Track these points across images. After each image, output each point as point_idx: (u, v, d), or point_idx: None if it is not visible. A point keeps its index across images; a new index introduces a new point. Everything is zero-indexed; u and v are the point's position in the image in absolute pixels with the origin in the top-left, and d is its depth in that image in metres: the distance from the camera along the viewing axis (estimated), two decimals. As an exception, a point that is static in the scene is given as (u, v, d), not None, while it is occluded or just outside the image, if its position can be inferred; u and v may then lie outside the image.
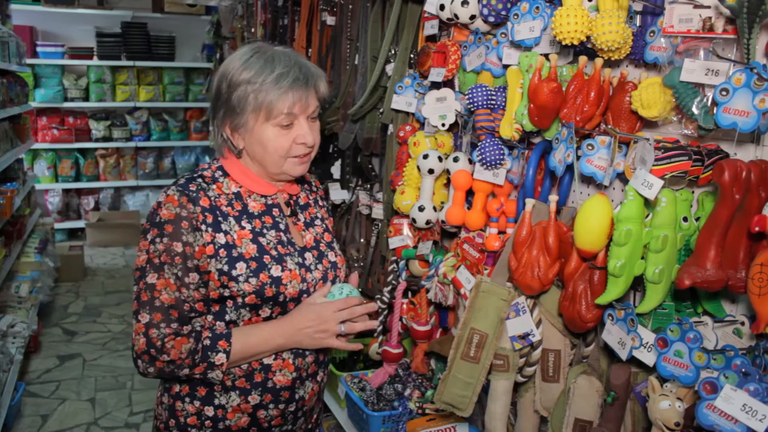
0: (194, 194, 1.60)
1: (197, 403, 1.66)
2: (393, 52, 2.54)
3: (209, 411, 1.66)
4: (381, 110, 2.64)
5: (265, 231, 1.67)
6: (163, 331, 1.54)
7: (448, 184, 2.18)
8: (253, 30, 4.95)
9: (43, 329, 5.10)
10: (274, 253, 1.64)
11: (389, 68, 2.55)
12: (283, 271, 1.63)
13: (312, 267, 1.70)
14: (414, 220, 2.16)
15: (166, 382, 1.72)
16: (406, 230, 2.33)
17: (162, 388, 1.75)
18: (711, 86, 1.37)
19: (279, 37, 4.25)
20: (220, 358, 1.57)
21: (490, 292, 1.79)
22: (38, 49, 7.08)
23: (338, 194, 3.04)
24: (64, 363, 4.65)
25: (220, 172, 1.69)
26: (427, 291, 2.13)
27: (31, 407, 4.06)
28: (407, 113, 2.45)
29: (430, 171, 2.13)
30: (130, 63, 7.46)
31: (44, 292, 5.33)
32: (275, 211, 1.72)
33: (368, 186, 2.91)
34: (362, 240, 2.79)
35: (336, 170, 3.20)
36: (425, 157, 2.13)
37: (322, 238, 1.79)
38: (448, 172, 2.13)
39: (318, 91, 1.65)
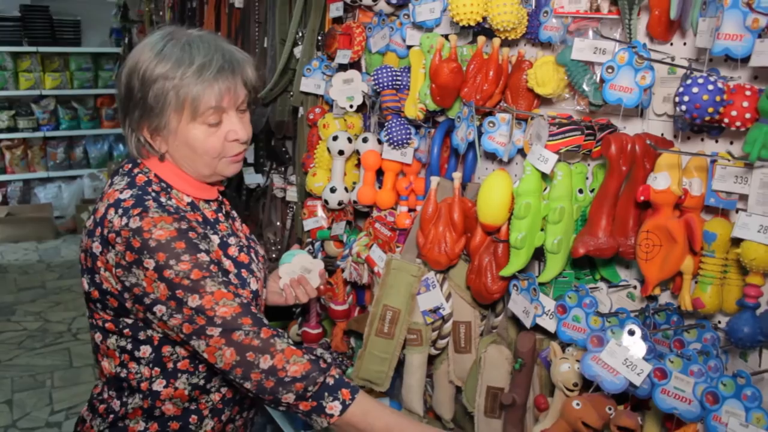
0: (174, 208, 1.39)
1: None
2: (300, 34, 2.54)
3: None
4: (291, 93, 2.63)
5: (228, 240, 1.50)
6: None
7: (358, 165, 2.20)
8: (161, 13, 4.81)
9: (-49, 331, 4.86)
10: (245, 263, 1.51)
11: (297, 51, 2.55)
12: (257, 282, 1.51)
13: (258, 267, 1.58)
14: (326, 202, 2.18)
15: (97, 403, 1.52)
16: (319, 212, 2.35)
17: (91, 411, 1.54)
18: (599, 64, 1.43)
19: (188, 20, 4.16)
20: (333, 407, 1.35)
21: (400, 269, 1.83)
22: (-70, 34, 6.64)
23: (252, 178, 3.02)
24: (-23, 365, 4.47)
25: (158, 181, 1.46)
26: (343, 271, 2.15)
27: (-58, 414, 3.89)
28: (316, 95, 2.45)
29: (340, 152, 2.15)
30: (33, 49, 7.06)
31: (-49, 293, 5.10)
32: (221, 216, 1.56)
33: (282, 169, 2.90)
34: (278, 223, 2.79)
35: (249, 154, 3.17)
36: (335, 138, 2.15)
37: (240, 228, 1.66)
38: (358, 152, 2.15)
39: (246, 79, 1.46)
